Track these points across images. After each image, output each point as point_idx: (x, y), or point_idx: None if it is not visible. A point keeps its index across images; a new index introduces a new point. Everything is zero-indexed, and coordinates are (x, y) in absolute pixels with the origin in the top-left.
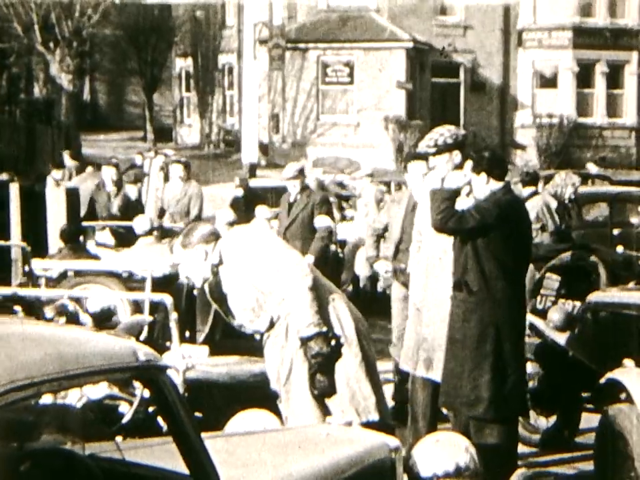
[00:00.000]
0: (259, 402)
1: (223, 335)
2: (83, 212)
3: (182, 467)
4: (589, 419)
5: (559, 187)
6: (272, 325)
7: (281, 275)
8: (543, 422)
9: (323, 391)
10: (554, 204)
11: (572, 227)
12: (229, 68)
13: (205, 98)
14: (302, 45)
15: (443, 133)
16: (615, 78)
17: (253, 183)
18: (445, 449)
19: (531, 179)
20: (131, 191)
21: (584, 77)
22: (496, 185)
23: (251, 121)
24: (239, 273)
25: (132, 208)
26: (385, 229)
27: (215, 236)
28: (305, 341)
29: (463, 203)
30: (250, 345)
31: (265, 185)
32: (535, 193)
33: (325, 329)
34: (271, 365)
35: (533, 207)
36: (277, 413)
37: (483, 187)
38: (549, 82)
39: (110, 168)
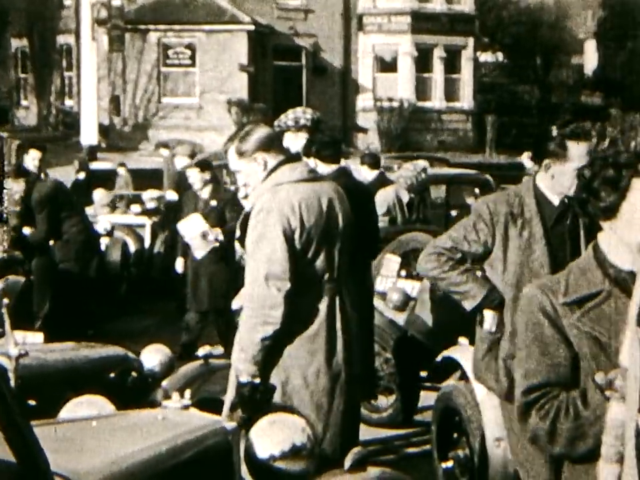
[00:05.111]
0: (95, 388)
1: (64, 319)
2: None
3: (10, 456)
4: (428, 397)
5: (411, 179)
6: None
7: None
8: (383, 401)
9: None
10: (405, 197)
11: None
12: (67, 49)
13: (42, 79)
14: (142, 27)
15: (306, 111)
16: (452, 63)
17: (94, 165)
18: (281, 430)
19: (372, 160)
20: None
21: (422, 62)
22: (327, 168)
23: (90, 102)
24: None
25: None
26: None
27: (274, 141)
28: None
29: None
30: (88, 331)
31: (107, 167)
32: (385, 181)
33: (258, 380)
34: None
35: (385, 200)
36: (112, 398)
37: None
38: (389, 66)
39: None
